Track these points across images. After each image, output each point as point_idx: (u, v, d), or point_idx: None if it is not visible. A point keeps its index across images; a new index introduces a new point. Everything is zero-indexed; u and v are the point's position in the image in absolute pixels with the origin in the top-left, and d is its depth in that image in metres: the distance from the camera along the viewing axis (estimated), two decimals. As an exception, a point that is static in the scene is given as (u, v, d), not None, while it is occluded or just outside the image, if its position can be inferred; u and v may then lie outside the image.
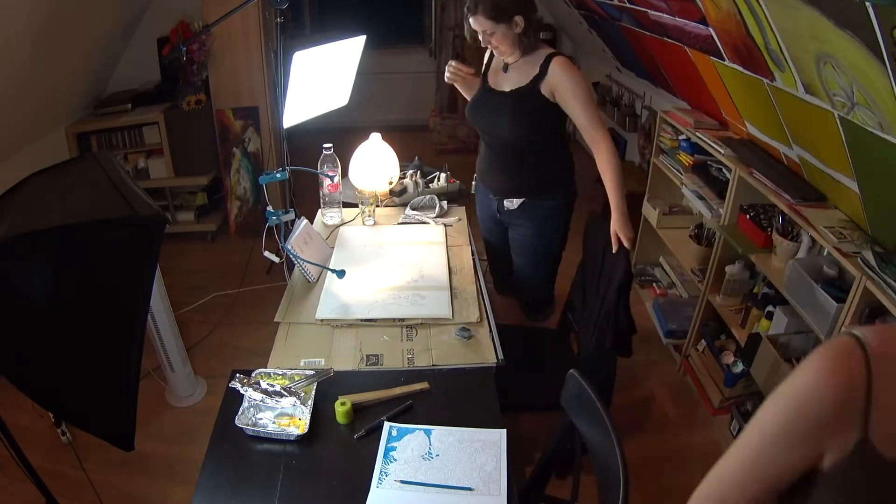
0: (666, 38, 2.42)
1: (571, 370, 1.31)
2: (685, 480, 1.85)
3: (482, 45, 1.83)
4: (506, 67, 1.91)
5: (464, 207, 2.22)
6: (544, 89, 1.79)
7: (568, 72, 1.77)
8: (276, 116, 2.58)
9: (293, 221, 2.12)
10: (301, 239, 1.79)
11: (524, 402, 1.77)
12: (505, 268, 2.25)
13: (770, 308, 1.98)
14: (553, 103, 1.81)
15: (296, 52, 1.96)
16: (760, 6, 1.47)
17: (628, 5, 2.50)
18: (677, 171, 2.60)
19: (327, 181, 1.99)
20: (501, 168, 1.98)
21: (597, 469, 1.27)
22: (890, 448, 0.62)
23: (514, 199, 2.00)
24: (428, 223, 2.07)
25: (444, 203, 2.16)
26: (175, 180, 3.52)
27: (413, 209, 2.12)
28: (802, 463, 0.68)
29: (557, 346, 2.03)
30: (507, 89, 1.87)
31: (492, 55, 1.98)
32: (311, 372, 1.34)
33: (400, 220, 2.09)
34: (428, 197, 2.17)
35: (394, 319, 1.59)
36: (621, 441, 1.10)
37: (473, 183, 2.19)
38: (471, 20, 1.75)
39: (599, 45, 3.99)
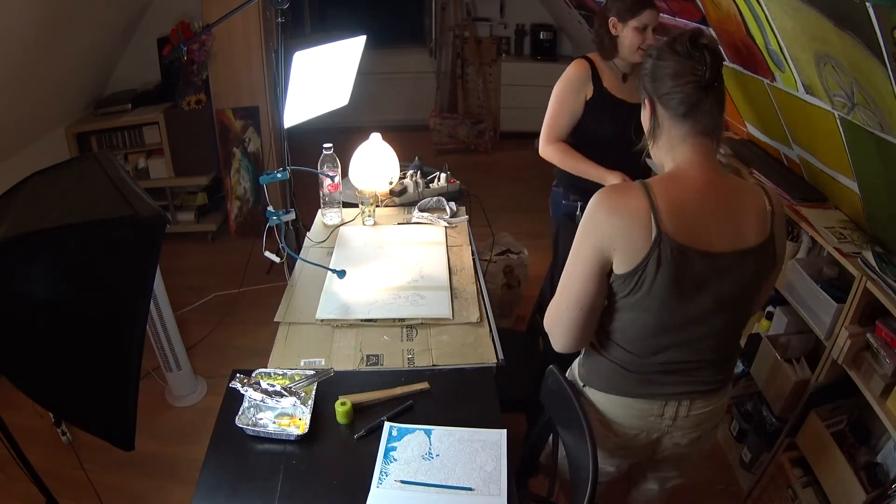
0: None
1: (551, 366, 1.32)
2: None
3: (638, 45, 1.78)
4: (624, 77, 1.90)
5: (464, 207, 2.21)
6: None
7: None
8: (277, 116, 2.58)
9: (293, 221, 2.12)
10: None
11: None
12: None
13: (770, 308, 1.98)
14: None
15: (296, 52, 1.96)
16: (760, 6, 1.47)
17: (628, 5, 2.49)
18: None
19: (327, 181, 1.99)
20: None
21: (571, 467, 1.28)
22: (676, 234, 1.02)
23: None
24: (441, 225, 2.05)
25: (453, 204, 2.16)
26: (175, 180, 3.52)
27: (421, 210, 2.12)
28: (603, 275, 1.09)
29: (525, 349, 2.03)
30: (636, 101, 1.78)
31: (594, 72, 1.91)
32: (312, 372, 1.34)
33: (413, 221, 2.08)
34: (435, 199, 2.17)
35: (394, 319, 1.59)
36: (595, 439, 1.13)
37: (578, 213, 2.05)
38: (645, 14, 1.74)
39: (599, 46, 3.98)
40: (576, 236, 1.11)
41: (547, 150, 1.98)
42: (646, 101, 1.12)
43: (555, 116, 1.96)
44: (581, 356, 1.31)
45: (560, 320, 1.16)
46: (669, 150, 1.09)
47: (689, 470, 1.37)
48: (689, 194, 1.05)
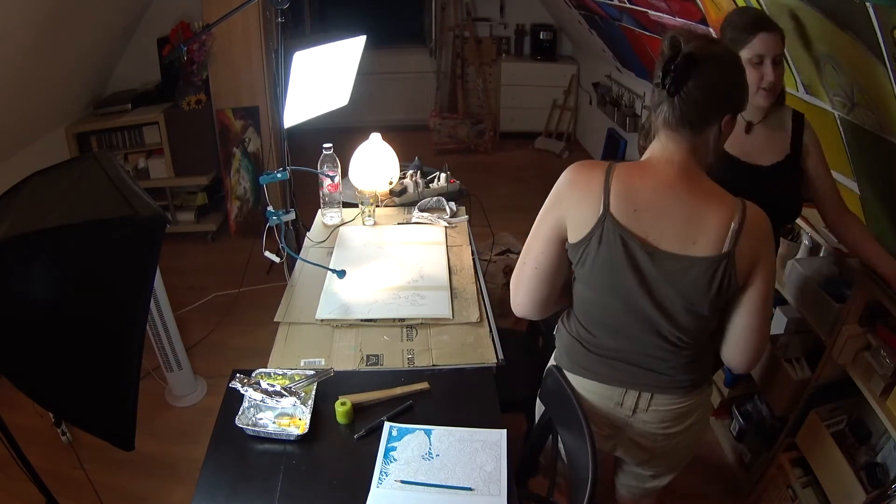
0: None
1: (550, 366, 1.32)
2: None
3: (756, 84, 1.34)
4: (748, 128, 1.47)
5: (464, 207, 2.21)
6: (804, 161, 1.45)
7: (816, 134, 1.47)
8: (277, 116, 2.58)
9: (293, 221, 2.12)
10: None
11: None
12: None
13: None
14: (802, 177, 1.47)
15: (296, 52, 1.96)
16: (760, 6, 1.47)
17: (628, 5, 2.50)
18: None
19: (327, 181, 1.99)
20: None
21: (570, 467, 1.28)
22: (621, 219, 1.05)
23: None
24: (441, 225, 2.05)
25: (453, 204, 2.16)
26: (175, 180, 3.52)
27: (421, 211, 2.12)
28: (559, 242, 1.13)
29: (525, 349, 2.02)
30: (765, 164, 1.45)
31: None
32: (312, 372, 1.34)
33: (413, 221, 2.08)
34: (435, 199, 2.17)
35: (394, 319, 1.59)
36: (595, 439, 1.13)
37: None
38: (757, 40, 1.32)
39: (599, 45, 3.99)
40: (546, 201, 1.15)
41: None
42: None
43: None
44: (556, 338, 1.33)
45: (521, 280, 1.20)
46: (652, 139, 1.11)
47: (669, 467, 1.34)
48: (648, 184, 1.06)
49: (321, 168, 1.96)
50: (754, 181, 1.45)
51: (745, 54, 1.33)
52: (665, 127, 1.05)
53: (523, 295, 1.21)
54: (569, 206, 1.09)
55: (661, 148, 1.07)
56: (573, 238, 1.10)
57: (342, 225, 2.07)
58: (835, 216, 1.50)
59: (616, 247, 1.05)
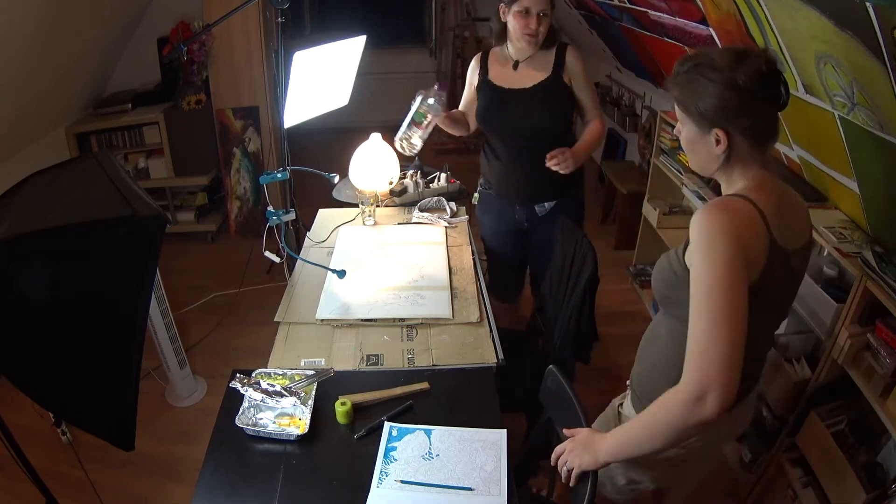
0: (666, 39, 2.42)
1: (550, 366, 1.32)
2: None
3: (522, 31, 1.73)
4: (516, 65, 1.86)
5: (464, 207, 2.22)
6: (565, 78, 1.81)
7: (581, 58, 1.82)
8: (277, 116, 2.58)
9: (293, 221, 2.12)
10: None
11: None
12: (515, 278, 2.24)
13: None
14: (570, 90, 1.83)
15: (296, 53, 1.96)
16: (760, 6, 1.47)
17: (628, 5, 2.49)
18: (678, 171, 2.60)
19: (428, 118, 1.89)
20: (530, 172, 1.89)
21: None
22: (785, 242, 0.98)
23: (547, 203, 1.96)
24: (441, 225, 2.05)
25: (453, 204, 2.16)
26: (175, 180, 3.52)
27: (421, 211, 2.12)
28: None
29: (525, 348, 2.01)
30: (528, 85, 1.83)
31: (483, 59, 1.93)
32: (312, 372, 1.34)
33: (413, 221, 2.08)
34: (435, 199, 2.17)
35: (394, 319, 1.59)
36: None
37: (476, 194, 2.12)
38: None
39: (599, 45, 3.99)
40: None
41: None
42: (712, 130, 0.99)
43: (463, 105, 2.04)
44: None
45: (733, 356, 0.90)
46: (743, 169, 1.01)
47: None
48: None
49: (421, 101, 1.87)
50: (516, 102, 1.83)
51: (515, 7, 1.71)
52: (767, 142, 1.01)
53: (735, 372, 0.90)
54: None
55: (761, 165, 1.01)
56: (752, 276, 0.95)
57: (342, 225, 2.07)
58: (587, 119, 1.90)
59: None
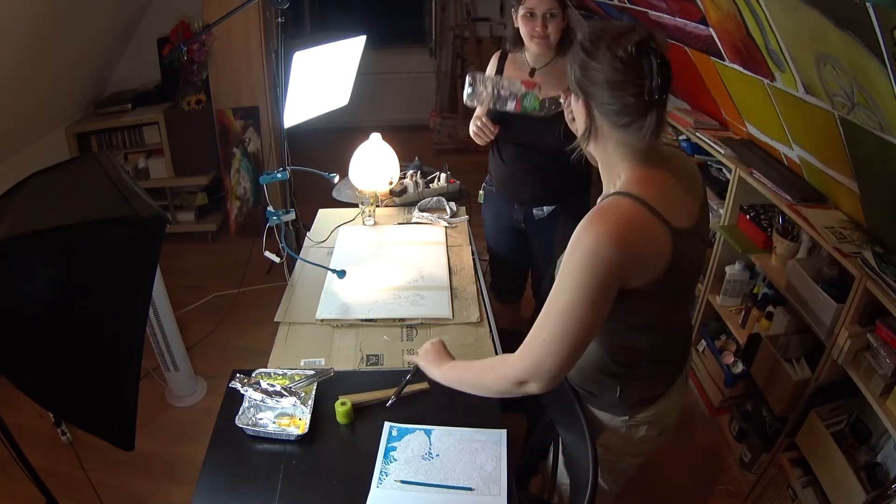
0: (666, 39, 2.42)
1: None
2: (685, 481, 1.86)
3: (529, 34, 1.67)
4: (532, 73, 1.78)
5: (464, 207, 2.22)
6: None
7: None
8: (277, 116, 2.58)
9: (293, 221, 2.12)
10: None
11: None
12: (515, 280, 2.23)
13: (770, 308, 1.98)
14: None
15: (296, 52, 1.96)
16: (760, 6, 1.47)
17: (628, 5, 2.49)
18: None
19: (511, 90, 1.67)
20: (536, 178, 1.87)
21: (571, 469, 1.27)
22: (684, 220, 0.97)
23: (546, 207, 1.95)
24: (441, 225, 2.05)
25: (453, 204, 2.16)
26: (175, 180, 3.52)
27: (421, 211, 2.12)
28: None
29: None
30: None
31: (501, 61, 1.88)
32: (312, 372, 1.34)
33: (413, 221, 2.08)
34: (435, 199, 2.17)
35: (394, 319, 1.59)
36: (595, 440, 1.13)
37: (482, 192, 2.11)
38: None
39: (599, 46, 3.98)
40: None
41: None
42: (580, 98, 0.99)
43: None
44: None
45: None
46: (615, 152, 1.00)
47: None
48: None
49: (473, 83, 1.70)
50: (526, 116, 1.69)
51: (521, 10, 1.66)
52: (651, 137, 0.95)
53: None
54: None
55: (641, 160, 0.99)
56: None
57: (342, 225, 2.07)
58: None
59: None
